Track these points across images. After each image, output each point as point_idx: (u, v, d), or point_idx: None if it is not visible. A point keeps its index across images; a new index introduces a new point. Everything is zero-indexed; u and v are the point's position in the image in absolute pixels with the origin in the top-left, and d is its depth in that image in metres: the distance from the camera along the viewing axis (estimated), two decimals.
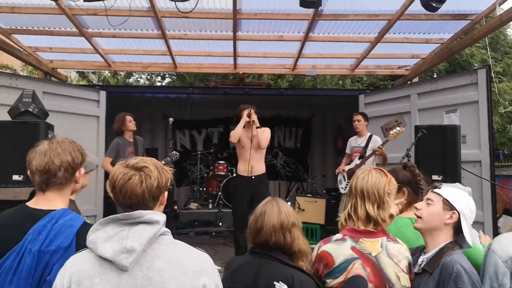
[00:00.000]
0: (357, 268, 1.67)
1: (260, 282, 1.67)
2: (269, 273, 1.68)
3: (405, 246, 1.78)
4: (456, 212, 1.77)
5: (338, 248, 1.73)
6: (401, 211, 2.14)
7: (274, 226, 1.72)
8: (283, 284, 1.63)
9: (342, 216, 1.84)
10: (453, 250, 1.73)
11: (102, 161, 4.99)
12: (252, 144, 4.59)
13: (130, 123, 5.04)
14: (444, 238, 1.76)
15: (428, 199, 1.89)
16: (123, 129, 5.00)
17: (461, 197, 1.82)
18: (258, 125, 4.62)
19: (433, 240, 1.78)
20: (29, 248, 1.42)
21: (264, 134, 4.68)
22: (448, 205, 1.79)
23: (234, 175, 4.77)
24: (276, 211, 1.77)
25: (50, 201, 1.59)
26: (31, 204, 1.60)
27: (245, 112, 4.59)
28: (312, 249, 1.83)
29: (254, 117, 4.59)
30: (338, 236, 1.79)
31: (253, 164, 4.58)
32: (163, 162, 5.77)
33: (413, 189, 2.19)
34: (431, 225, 1.81)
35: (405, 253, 1.75)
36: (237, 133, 4.58)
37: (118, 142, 4.94)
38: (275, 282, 1.64)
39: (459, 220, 1.79)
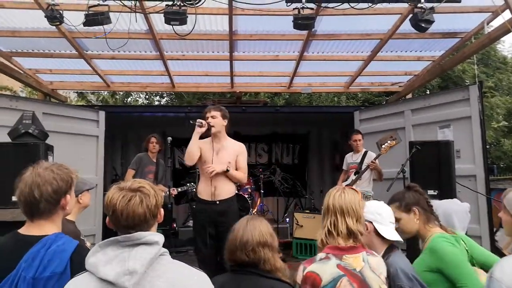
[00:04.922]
0: (345, 285, 1.70)
1: None
2: (250, 287, 1.71)
3: (380, 258, 1.87)
4: (368, 222, 1.96)
5: (324, 267, 1.75)
6: (420, 232, 2.16)
7: (247, 244, 1.73)
8: None
9: (321, 233, 1.87)
10: (392, 252, 1.93)
11: (126, 173, 5.34)
12: (217, 158, 3.51)
13: (151, 144, 5.40)
14: (378, 246, 1.97)
15: None
16: (147, 147, 5.43)
17: (367, 207, 1.99)
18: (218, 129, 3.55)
19: (376, 251, 1.93)
20: (23, 275, 1.41)
21: (236, 149, 3.61)
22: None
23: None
24: (251, 229, 1.78)
25: (41, 227, 1.57)
26: (22, 230, 1.59)
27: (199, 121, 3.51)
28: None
29: (212, 120, 3.48)
30: (322, 255, 1.80)
31: (216, 184, 3.44)
32: (184, 188, 5.70)
33: (422, 207, 2.20)
34: (365, 241, 1.92)
35: (383, 265, 1.83)
36: (193, 151, 3.46)
37: (140, 157, 5.34)
38: None
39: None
